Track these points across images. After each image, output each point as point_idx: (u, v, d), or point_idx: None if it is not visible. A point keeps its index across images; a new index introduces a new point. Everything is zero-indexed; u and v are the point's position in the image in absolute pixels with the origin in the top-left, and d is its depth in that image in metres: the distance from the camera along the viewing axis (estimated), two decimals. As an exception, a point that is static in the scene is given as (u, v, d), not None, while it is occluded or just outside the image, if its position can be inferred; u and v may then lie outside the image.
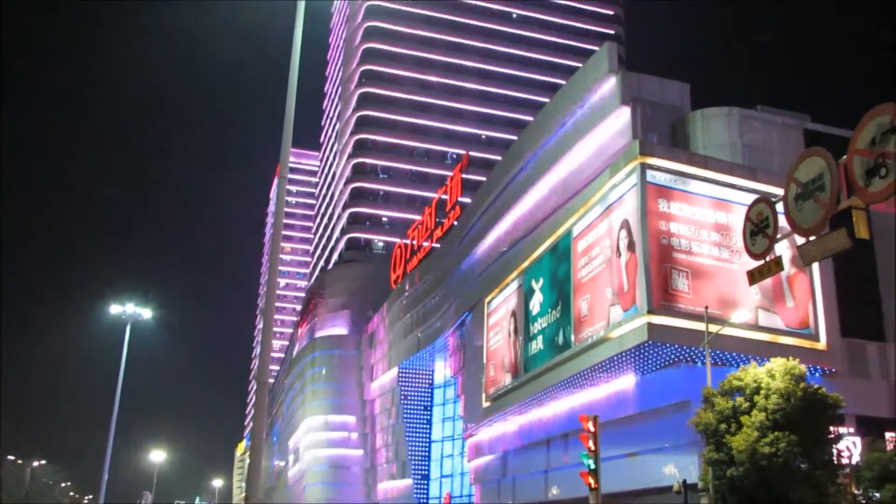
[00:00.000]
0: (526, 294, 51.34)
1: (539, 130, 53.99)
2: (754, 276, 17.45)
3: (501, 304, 55.90)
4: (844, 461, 29.92)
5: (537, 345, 48.75)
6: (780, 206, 17.22)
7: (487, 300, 58.52)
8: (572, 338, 43.70)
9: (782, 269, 17.88)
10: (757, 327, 37.49)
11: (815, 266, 38.87)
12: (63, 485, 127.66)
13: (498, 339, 55.82)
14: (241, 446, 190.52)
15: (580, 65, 51.87)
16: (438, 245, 78.33)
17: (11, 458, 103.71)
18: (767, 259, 16.96)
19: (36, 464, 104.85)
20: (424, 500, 77.48)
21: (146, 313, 60.12)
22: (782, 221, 17.55)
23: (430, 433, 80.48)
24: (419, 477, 78.78)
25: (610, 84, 44.48)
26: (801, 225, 15.36)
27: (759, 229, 17.06)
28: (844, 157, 14.34)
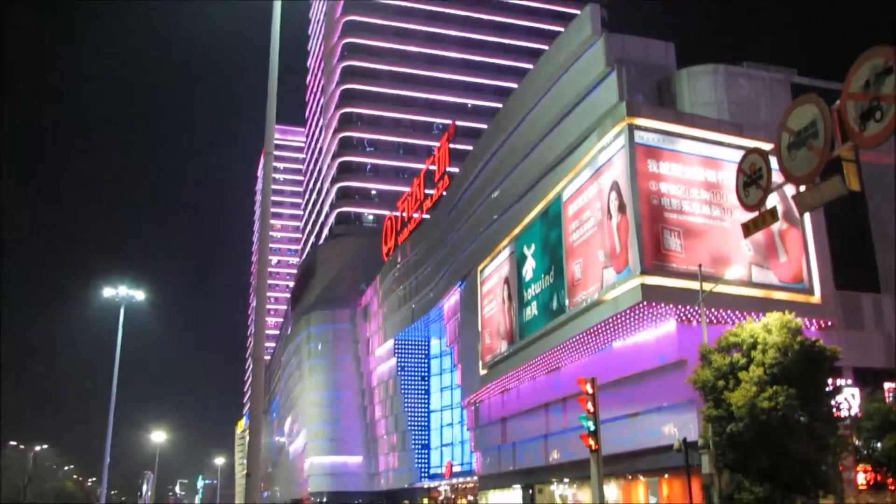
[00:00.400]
0: (518, 260, 51.22)
1: (524, 97, 53.70)
2: (749, 228, 17.22)
3: (494, 272, 55.79)
4: (844, 413, 29.95)
5: (532, 311, 48.70)
6: (773, 159, 17.05)
7: (480, 268, 58.41)
8: (566, 302, 43.64)
9: (777, 219, 17.68)
10: (751, 283, 37.44)
11: (808, 220, 38.87)
12: (66, 468, 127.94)
13: (492, 306, 55.77)
14: (241, 424, 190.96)
15: (563, 29, 51.43)
16: (428, 216, 78.12)
17: (13, 443, 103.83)
18: (761, 210, 16.76)
19: (38, 448, 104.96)
20: (426, 470, 77.85)
21: (139, 295, 59.94)
22: (776, 175, 17.36)
23: (428, 403, 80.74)
24: (420, 447, 79.12)
25: (594, 46, 44.04)
26: (795, 174, 15.12)
27: (752, 180, 16.79)
28: (837, 102, 14.11)
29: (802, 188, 15.70)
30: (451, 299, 67.75)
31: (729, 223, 37.78)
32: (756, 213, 17.18)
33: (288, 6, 20.37)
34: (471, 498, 68.06)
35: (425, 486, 78.24)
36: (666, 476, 40.08)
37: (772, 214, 17.25)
